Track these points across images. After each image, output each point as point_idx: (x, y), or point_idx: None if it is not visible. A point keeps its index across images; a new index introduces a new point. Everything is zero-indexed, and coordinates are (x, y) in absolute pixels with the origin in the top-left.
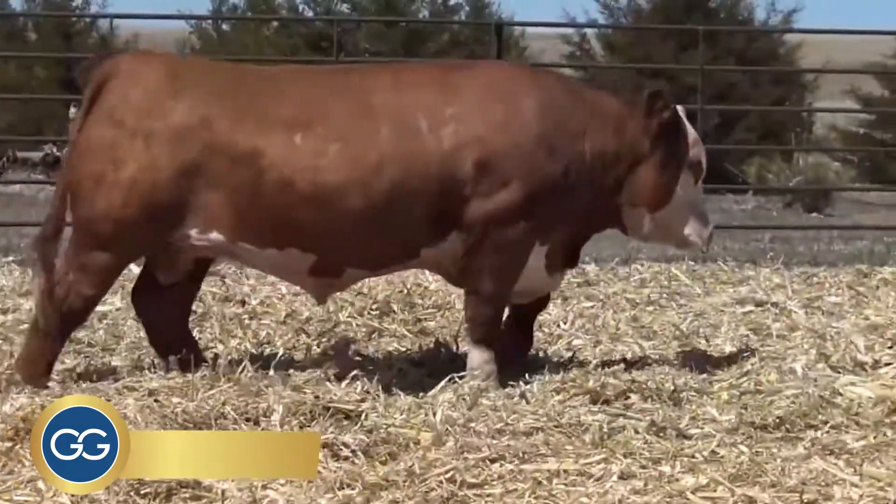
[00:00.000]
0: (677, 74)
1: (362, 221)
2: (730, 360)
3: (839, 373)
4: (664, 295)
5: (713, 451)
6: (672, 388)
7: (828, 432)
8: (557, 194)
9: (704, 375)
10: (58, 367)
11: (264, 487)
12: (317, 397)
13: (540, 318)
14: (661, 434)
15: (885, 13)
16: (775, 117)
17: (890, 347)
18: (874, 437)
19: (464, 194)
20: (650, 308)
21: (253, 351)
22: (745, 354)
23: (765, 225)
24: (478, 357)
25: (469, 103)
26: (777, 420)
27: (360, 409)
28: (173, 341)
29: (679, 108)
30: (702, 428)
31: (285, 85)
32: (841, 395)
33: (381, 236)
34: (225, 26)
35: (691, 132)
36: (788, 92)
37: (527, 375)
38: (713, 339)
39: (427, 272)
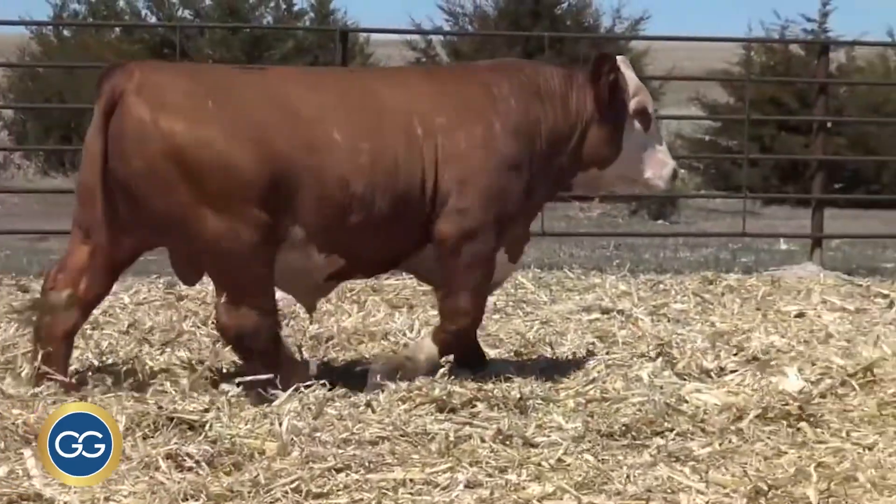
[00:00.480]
0: None
1: (386, 223)
2: (576, 367)
3: (685, 380)
4: (510, 303)
5: (559, 460)
6: (518, 396)
7: (674, 439)
8: (521, 202)
9: (551, 383)
10: None
11: (107, 500)
12: (160, 407)
13: (386, 326)
14: (508, 442)
15: (729, 21)
16: None
17: (735, 354)
18: (720, 444)
19: (443, 207)
20: (496, 316)
21: (95, 361)
22: (592, 362)
23: (610, 232)
24: (428, 350)
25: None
26: (623, 427)
27: (204, 420)
28: (65, 336)
29: (620, 58)
30: (548, 436)
31: (314, 88)
32: (687, 402)
33: (390, 239)
34: (66, 32)
35: (633, 81)
36: None
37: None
38: (559, 346)
39: None
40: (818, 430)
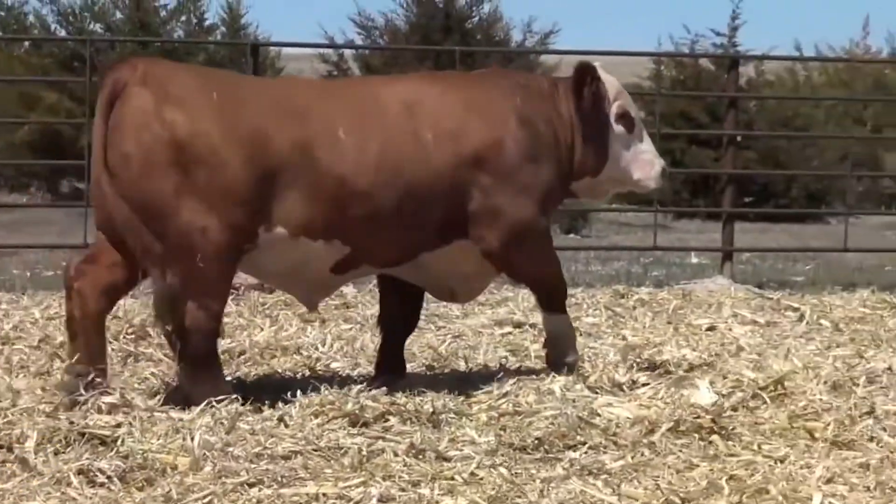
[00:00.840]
0: None
1: (392, 216)
2: (489, 381)
3: (597, 393)
4: (423, 316)
5: (472, 473)
6: (431, 410)
7: (586, 453)
8: (551, 187)
9: (463, 397)
10: None
11: None
12: (71, 423)
13: (299, 340)
14: (421, 456)
15: (640, 35)
16: None
17: (647, 368)
18: (632, 457)
19: (468, 208)
20: None
21: (5, 377)
22: (504, 376)
23: None
24: (558, 322)
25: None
26: (536, 441)
27: (116, 435)
28: (97, 328)
29: (597, 64)
30: (461, 450)
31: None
32: (599, 415)
33: (399, 233)
34: None
35: (612, 85)
36: None
37: (287, 396)
38: (472, 360)
39: None
40: (730, 443)
